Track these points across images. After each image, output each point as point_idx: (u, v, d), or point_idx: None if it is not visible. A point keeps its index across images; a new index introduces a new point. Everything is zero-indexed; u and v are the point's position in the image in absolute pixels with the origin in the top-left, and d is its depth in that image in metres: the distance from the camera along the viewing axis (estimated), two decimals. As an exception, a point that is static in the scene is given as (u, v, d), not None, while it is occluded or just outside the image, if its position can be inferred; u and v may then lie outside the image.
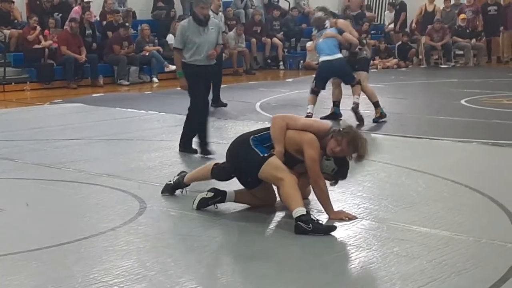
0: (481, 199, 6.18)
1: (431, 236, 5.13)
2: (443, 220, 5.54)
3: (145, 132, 10.01)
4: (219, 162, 6.11)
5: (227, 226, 5.49)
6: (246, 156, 5.60)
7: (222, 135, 9.75)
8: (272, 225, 5.58)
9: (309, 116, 11.00)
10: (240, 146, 5.74)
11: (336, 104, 11.09)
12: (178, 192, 6.24)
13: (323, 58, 10.68)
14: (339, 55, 10.55)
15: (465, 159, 8.05)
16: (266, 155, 5.50)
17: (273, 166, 5.44)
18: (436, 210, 5.81)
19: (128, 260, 4.68)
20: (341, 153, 5.56)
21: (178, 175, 6.35)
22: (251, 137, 5.70)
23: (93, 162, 7.86)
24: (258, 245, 5.09)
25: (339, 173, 5.64)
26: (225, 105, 12.55)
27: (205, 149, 8.26)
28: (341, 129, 5.60)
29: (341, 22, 11.04)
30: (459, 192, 6.44)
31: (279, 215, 5.74)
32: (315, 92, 10.90)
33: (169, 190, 6.30)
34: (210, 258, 4.78)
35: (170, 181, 6.33)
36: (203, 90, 8.44)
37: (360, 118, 10.49)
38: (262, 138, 5.68)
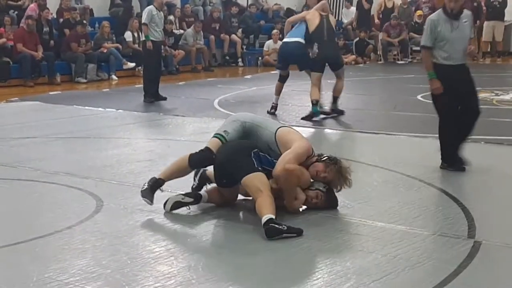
0: (435, 193, 6.26)
1: (386, 231, 5.19)
2: (398, 214, 5.60)
3: (103, 130, 9.95)
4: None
5: (185, 222, 5.49)
6: (240, 160, 5.49)
7: (180, 132, 9.74)
8: (232, 219, 5.58)
9: (273, 106, 11.11)
10: (239, 149, 5.63)
11: (314, 103, 11.10)
12: (158, 192, 5.88)
13: (284, 40, 11.26)
14: (297, 39, 10.69)
15: (420, 154, 8.14)
16: (260, 168, 5.47)
17: (261, 179, 5.38)
18: (392, 204, 5.87)
19: (84, 259, 4.66)
20: (323, 179, 5.66)
21: (196, 175, 6.07)
22: (255, 150, 5.58)
23: (50, 161, 7.80)
24: (217, 241, 5.10)
25: (330, 196, 5.70)
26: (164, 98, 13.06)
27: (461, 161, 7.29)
28: (330, 157, 5.73)
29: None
30: (415, 186, 6.51)
31: (232, 213, 5.76)
32: (282, 78, 11.11)
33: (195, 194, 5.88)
34: (167, 255, 4.77)
35: (193, 184, 6.06)
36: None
37: (339, 112, 10.79)
38: (262, 159, 5.58)
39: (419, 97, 12.87)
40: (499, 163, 7.53)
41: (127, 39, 18.12)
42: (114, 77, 17.29)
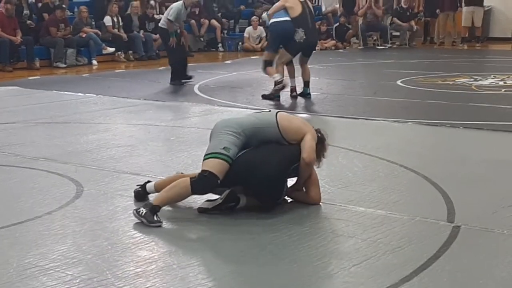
0: (415, 178, 6.29)
1: (367, 215, 5.21)
2: (378, 199, 5.62)
3: (83, 115, 9.91)
4: (187, 175, 5.49)
5: (165, 208, 5.47)
6: (280, 186, 5.33)
7: (160, 117, 9.72)
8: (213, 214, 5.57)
9: (292, 89, 11.16)
10: (282, 173, 5.32)
11: (306, 84, 11.27)
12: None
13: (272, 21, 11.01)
14: (287, 18, 10.69)
15: (400, 139, 8.17)
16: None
17: None
18: (372, 189, 5.90)
19: (64, 244, 4.65)
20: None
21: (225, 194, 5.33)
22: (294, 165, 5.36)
23: (29, 146, 7.76)
24: (198, 226, 5.11)
25: None
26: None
27: None
28: (322, 133, 5.64)
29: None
30: (395, 171, 6.54)
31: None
32: (269, 63, 11.12)
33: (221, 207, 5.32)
34: (148, 240, 4.77)
35: (221, 199, 5.31)
36: None
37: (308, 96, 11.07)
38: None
39: (398, 82, 12.92)
40: (478, 148, 7.58)
41: (106, 24, 18.03)
42: (94, 62, 17.20)
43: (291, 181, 5.54)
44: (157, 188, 5.51)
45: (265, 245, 4.66)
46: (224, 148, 5.21)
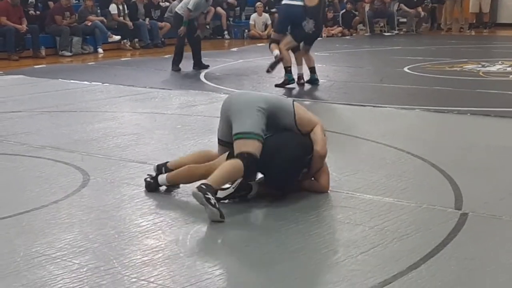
0: (422, 165, 6.26)
1: (374, 203, 5.19)
2: (385, 186, 5.60)
3: (89, 104, 9.90)
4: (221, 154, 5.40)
5: (171, 196, 5.47)
6: (295, 168, 5.29)
7: (166, 106, 9.71)
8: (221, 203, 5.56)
9: (299, 77, 11.17)
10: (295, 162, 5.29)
11: (312, 71, 11.27)
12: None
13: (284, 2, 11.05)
14: (299, 3, 10.73)
15: (407, 126, 8.15)
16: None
17: None
18: (379, 177, 5.87)
19: (71, 233, 4.64)
20: None
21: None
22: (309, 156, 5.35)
23: (35, 135, 7.76)
24: (204, 214, 5.09)
25: None
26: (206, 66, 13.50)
27: None
28: None
29: None
30: (402, 158, 6.52)
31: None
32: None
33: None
34: (154, 229, 4.76)
35: (233, 188, 5.22)
36: None
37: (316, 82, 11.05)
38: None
39: (405, 69, 12.88)
40: (486, 135, 7.54)
41: (112, 12, 18.02)
42: (100, 50, 17.19)
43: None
44: (170, 180, 5.48)
45: (272, 233, 4.65)
46: (262, 129, 5.15)
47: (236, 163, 5.02)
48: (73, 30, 16.79)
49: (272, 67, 10.92)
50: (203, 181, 4.90)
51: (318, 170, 5.45)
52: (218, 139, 5.53)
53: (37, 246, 4.41)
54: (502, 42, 19.32)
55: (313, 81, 11.19)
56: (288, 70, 10.95)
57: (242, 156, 5.04)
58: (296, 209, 5.11)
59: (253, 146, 5.09)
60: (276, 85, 11.00)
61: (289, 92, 10.61)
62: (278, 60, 10.83)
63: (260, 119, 5.18)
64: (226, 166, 5.04)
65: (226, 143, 5.40)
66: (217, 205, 4.75)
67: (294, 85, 11.08)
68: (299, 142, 5.33)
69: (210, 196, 4.75)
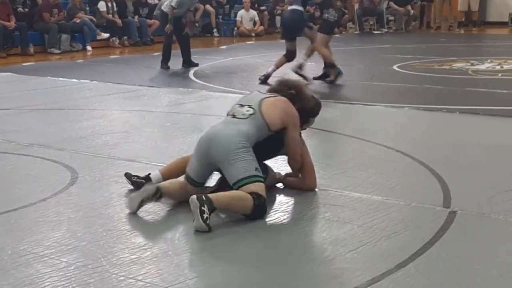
0: (412, 164, 6.27)
1: (363, 201, 5.19)
2: (374, 185, 5.60)
3: (77, 101, 9.87)
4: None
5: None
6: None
7: (155, 103, 9.68)
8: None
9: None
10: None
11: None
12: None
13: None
14: (296, 7, 11.04)
15: (397, 124, 8.15)
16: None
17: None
18: (368, 175, 5.87)
19: (59, 231, 4.62)
20: None
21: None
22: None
23: (23, 132, 7.72)
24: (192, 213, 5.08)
25: None
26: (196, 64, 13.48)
27: None
28: None
29: None
30: (391, 157, 6.52)
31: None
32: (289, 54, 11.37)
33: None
34: (143, 227, 4.75)
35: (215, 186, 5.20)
36: None
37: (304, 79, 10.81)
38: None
39: (395, 67, 12.90)
40: (475, 133, 7.56)
41: (100, 9, 17.97)
42: (88, 47, 17.14)
43: (283, 169, 5.53)
44: (165, 176, 5.39)
45: (260, 232, 4.64)
46: (256, 168, 4.90)
47: (247, 197, 4.77)
48: (62, 28, 16.74)
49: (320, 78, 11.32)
50: (209, 194, 4.75)
51: (301, 165, 5.43)
52: (190, 179, 5.11)
53: (25, 244, 4.38)
54: (491, 41, 19.37)
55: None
56: (333, 65, 11.19)
57: (252, 195, 4.79)
58: (284, 207, 5.10)
59: (259, 189, 4.85)
60: (330, 81, 11.21)
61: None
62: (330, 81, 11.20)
63: (249, 155, 4.93)
64: (238, 194, 4.82)
65: (200, 184, 5.14)
66: (208, 221, 4.56)
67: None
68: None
69: (205, 209, 4.57)
